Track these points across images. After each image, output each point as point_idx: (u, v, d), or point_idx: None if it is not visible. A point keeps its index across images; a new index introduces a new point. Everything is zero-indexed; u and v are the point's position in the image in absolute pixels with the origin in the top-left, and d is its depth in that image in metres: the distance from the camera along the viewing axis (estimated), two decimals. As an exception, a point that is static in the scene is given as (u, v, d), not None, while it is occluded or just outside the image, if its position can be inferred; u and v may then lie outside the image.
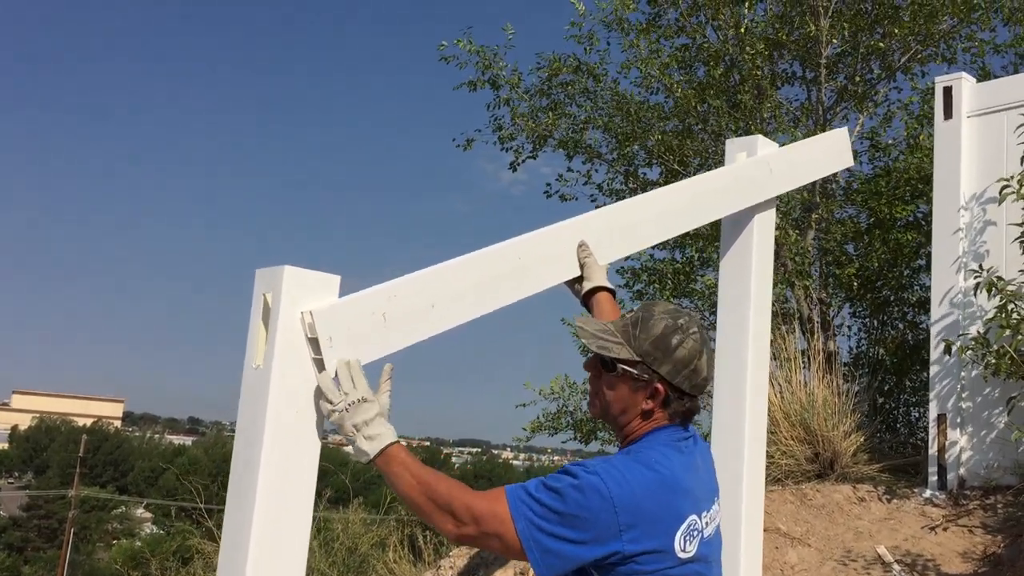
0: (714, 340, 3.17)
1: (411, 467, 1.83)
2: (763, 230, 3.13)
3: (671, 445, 1.86)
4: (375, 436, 1.84)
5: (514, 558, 1.79)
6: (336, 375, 1.89)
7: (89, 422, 60.37)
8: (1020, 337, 4.62)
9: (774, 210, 3.23)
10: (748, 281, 3.06)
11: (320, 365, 1.93)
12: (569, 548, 1.69)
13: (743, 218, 3.09)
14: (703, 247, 8.45)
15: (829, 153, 3.47)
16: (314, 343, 1.92)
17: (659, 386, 1.87)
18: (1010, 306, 4.70)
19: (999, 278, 4.77)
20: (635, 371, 1.87)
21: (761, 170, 3.07)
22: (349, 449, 1.92)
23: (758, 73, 8.24)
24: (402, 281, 2.05)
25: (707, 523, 1.84)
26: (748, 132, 7.81)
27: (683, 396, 1.90)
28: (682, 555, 1.76)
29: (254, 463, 1.87)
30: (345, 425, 1.86)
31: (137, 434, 71.53)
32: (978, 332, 4.94)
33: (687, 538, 1.77)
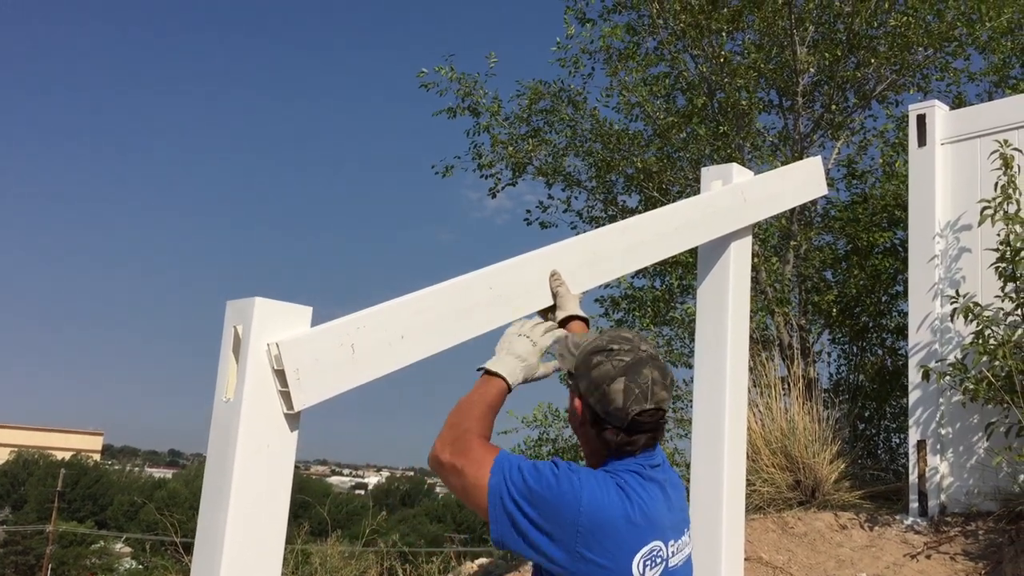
0: (692, 367, 3.17)
1: (478, 396, 1.99)
2: (739, 257, 3.14)
3: (642, 472, 1.86)
4: (497, 362, 2.06)
5: (477, 509, 1.81)
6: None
7: (68, 456, 59.54)
8: (998, 363, 4.64)
9: (750, 237, 3.24)
10: (725, 308, 3.06)
11: (287, 399, 1.90)
12: (525, 524, 1.74)
13: (719, 246, 3.09)
14: (683, 275, 8.48)
15: (803, 182, 3.50)
16: (280, 375, 1.90)
17: (578, 403, 1.92)
18: (987, 332, 4.72)
19: (976, 304, 4.80)
20: (571, 382, 1.95)
21: (736, 198, 3.08)
22: None
23: (743, 102, 8.33)
24: (371, 312, 2.03)
25: (674, 552, 1.84)
26: (729, 160, 7.87)
27: (605, 424, 1.86)
28: None
29: (224, 497, 1.85)
30: (510, 333, 2.16)
31: (116, 467, 70.59)
32: (956, 358, 4.96)
33: (647, 563, 1.77)
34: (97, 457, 69.29)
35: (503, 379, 2.02)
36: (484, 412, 1.95)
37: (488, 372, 2.03)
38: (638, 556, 1.75)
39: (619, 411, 1.83)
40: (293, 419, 1.93)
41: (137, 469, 75.41)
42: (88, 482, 55.98)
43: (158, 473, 75.82)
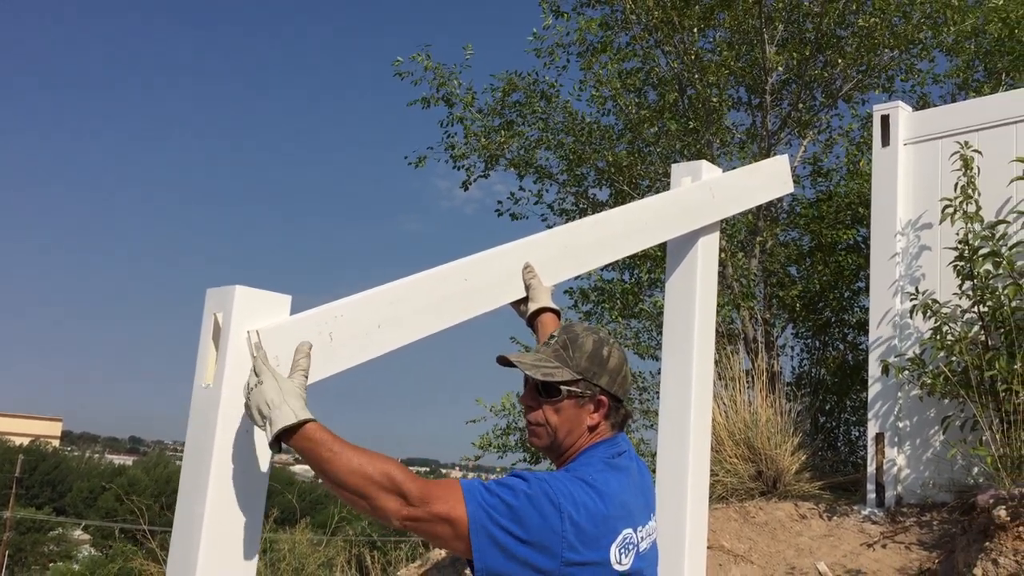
0: (659, 360, 3.23)
1: (343, 448, 1.70)
2: (707, 253, 3.20)
3: (606, 462, 1.91)
4: (275, 419, 1.70)
5: (458, 550, 1.71)
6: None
7: (26, 441, 58.62)
8: (954, 358, 4.77)
9: (718, 233, 3.30)
10: (693, 302, 3.13)
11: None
12: (513, 544, 1.69)
13: (688, 241, 3.16)
14: (652, 268, 8.58)
15: (770, 179, 3.57)
16: (261, 362, 1.92)
17: (602, 398, 1.96)
18: (944, 328, 4.85)
19: (934, 301, 4.92)
20: (578, 389, 1.94)
21: (704, 195, 3.15)
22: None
23: (713, 99, 8.43)
24: (348, 301, 2.06)
25: (643, 537, 1.88)
26: (698, 155, 7.97)
27: (619, 404, 2.00)
28: (618, 567, 1.79)
29: (202, 483, 1.86)
30: (252, 412, 1.76)
31: (76, 454, 69.61)
32: (914, 353, 5.09)
33: (622, 551, 1.81)
34: (56, 443, 68.32)
35: (304, 421, 1.71)
36: (355, 450, 1.70)
37: (288, 430, 1.69)
38: (614, 546, 1.79)
39: (630, 385, 2.02)
40: (272, 405, 1.96)
41: (97, 456, 74.36)
42: (47, 468, 55.19)
43: (118, 460, 74.82)
